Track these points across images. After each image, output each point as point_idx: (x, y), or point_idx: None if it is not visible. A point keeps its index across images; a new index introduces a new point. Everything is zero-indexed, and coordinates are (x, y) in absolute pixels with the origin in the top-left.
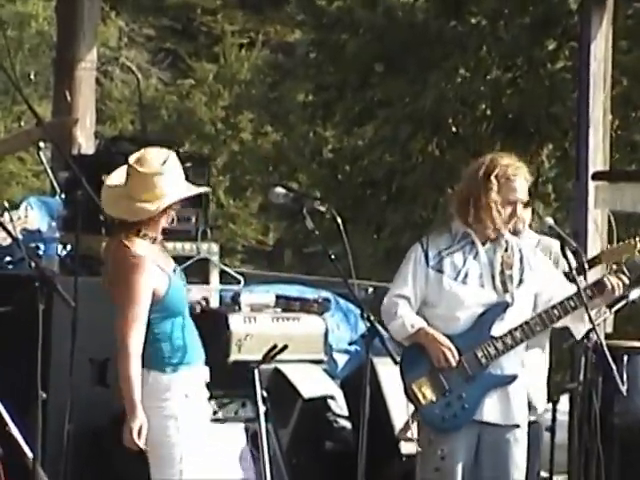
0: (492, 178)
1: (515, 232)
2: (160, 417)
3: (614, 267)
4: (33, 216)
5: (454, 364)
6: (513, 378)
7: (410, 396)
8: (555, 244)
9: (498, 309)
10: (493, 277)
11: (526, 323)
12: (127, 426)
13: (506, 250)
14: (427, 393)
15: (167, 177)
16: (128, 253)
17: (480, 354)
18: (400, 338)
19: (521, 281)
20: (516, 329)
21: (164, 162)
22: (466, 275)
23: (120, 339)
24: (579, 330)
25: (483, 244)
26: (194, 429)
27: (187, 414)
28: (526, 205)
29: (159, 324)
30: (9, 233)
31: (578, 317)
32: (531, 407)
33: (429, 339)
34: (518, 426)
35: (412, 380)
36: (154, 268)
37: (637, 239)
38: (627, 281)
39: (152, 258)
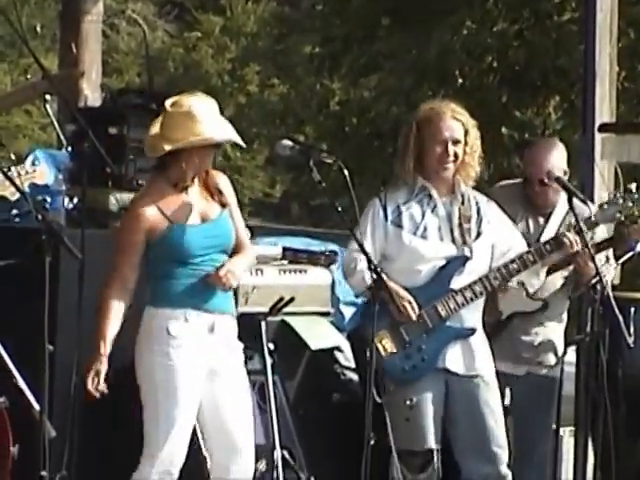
0: (414, 123)
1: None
2: (145, 352)
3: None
4: (41, 171)
5: (414, 318)
6: (473, 331)
7: (370, 348)
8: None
9: (458, 262)
10: (452, 230)
11: (485, 277)
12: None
13: (463, 203)
14: (387, 345)
15: (197, 120)
16: (135, 197)
17: (440, 307)
18: (360, 292)
19: (479, 234)
20: (475, 282)
21: (197, 105)
22: (425, 229)
23: (103, 282)
24: (532, 284)
25: (440, 197)
26: (179, 367)
27: (169, 351)
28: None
29: (156, 263)
30: (16, 187)
31: (533, 272)
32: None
33: (389, 292)
34: (482, 377)
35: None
36: (150, 211)
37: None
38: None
39: (159, 202)
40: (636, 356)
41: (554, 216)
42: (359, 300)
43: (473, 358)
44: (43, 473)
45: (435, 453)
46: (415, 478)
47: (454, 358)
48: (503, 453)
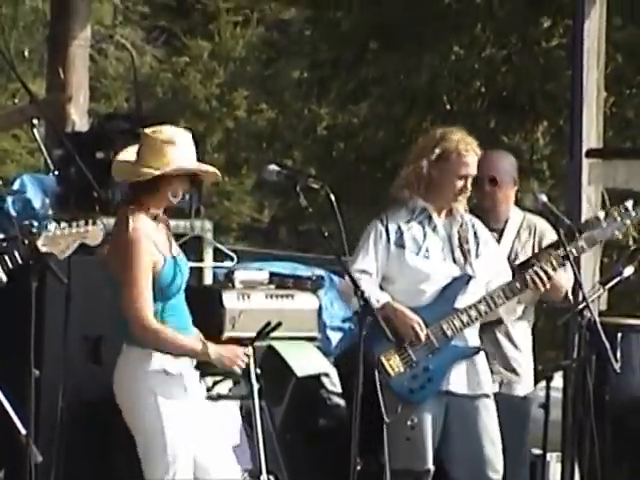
0: (437, 150)
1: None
2: (140, 391)
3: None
4: (95, 231)
5: (423, 339)
6: (478, 350)
7: (378, 368)
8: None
9: (461, 282)
10: (452, 250)
11: (489, 295)
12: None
13: (461, 225)
14: (395, 365)
15: (177, 148)
16: (129, 227)
17: (446, 326)
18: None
19: (477, 255)
20: (480, 302)
21: (178, 135)
22: (427, 249)
23: (137, 321)
24: (511, 316)
25: (440, 217)
26: (175, 405)
27: (166, 390)
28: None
29: None
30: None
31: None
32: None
33: (397, 314)
34: (487, 395)
35: (380, 352)
36: (150, 245)
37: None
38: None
39: (150, 235)
40: (623, 381)
41: (507, 233)
42: (346, 325)
43: (478, 378)
44: None
45: (430, 473)
46: None
47: (458, 379)
48: (497, 478)
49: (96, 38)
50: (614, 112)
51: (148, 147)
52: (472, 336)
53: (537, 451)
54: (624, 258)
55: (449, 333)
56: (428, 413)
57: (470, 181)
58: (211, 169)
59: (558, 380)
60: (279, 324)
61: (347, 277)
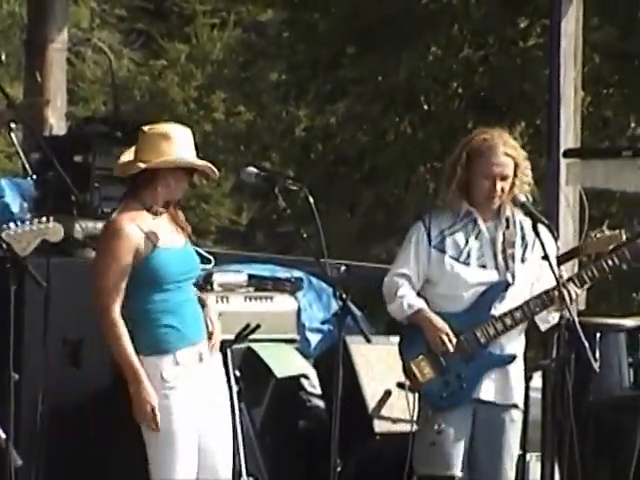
0: (464, 153)
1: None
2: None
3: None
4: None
5: (451, 349)
6: (513, 358)
7: (409, 373)
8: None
9: (499, 288)
10: (495, 256)
11: (526, 304)
12: (135, 402)
13: (507, 227)
14: (425, 371)
15: (172, 142)
16: (110, 219)
17: (479, 334)
18: (399, 318)
19: (523, 260)
20: (516, 309)
21: (173, 130)
22: (468, 255)
23: (100, 312)
24: (547, 323)
25: (485, 222)
26: (180, 413)
27: (165, 393)
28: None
29: (136, 292)
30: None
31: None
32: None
33: (426, 323)
34: (516, 406)
35: (411, 358)
36: (135, 232)
37: (622, 230)
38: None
39: (139, 224)
40: (602, 381)
41: None
42: (325, 327)
43: (509, 387)
44: None
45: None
46: None
47: (489, 387)
48: None
49: (73, 41)
50: (592, 112)
51: (143, 142)
52: (509, 343)
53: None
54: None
55: (482, 340)
56: (455, 420)
57: (503, 183)
58: (205, 164)
59: (537, 380)
60: (258, 326)
61: (386, 279)
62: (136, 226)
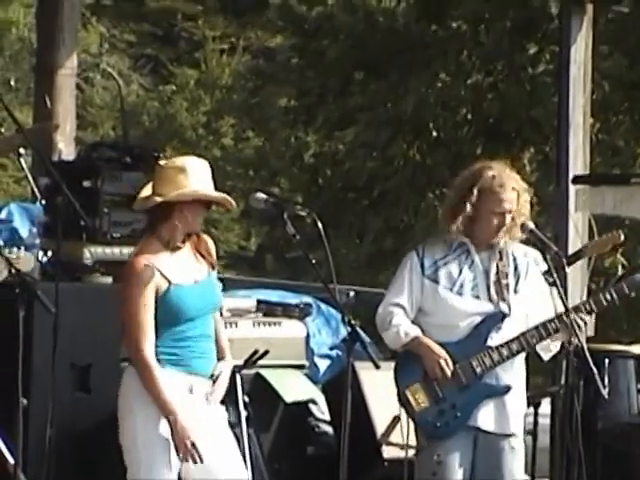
0: (474, 190)
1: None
2: (127, 412)
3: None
4: (26, 258)
5: (449, 375)
6: (508, 389)
7: (403, 401)
8: (537, 255)
9: (495, 319)
10: (488, 287)
11: (523, 335)
12: (175, 438)
13: (501, 259)
14: (420, 399)
15: (188, 175)
16: (128, 260)
17: (475, 364)
18: (395, 347)
19: (516, 290)
20: (513, 340)
21: (190, 163)
22: (462, 286)
23: (134, 350)
24: (549, 352)
25: (478, 253)
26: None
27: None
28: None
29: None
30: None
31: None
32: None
33: (424, 349)
34: (515, 435)
35: (406, 385)
36: (151, 271)
37: (620, 231)
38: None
39: (155, 263)
40: (611, 408)
41: None
42: (333, 352)
43: (507, 418)
44: None
45: None
46: None
47: (487, 416)
48: None
49: (83, 67)
50: (601, 139)
51: (160, 176)
52: (505, 374)
53: (526, 477)
54: (611, 285)
55: (478, 371)
56: (456, 449)
57: (508, 217)
58: (221, 196)
59: (546, 406)
60: (266, 352)
61: (380, 309)
62: (150, 263)
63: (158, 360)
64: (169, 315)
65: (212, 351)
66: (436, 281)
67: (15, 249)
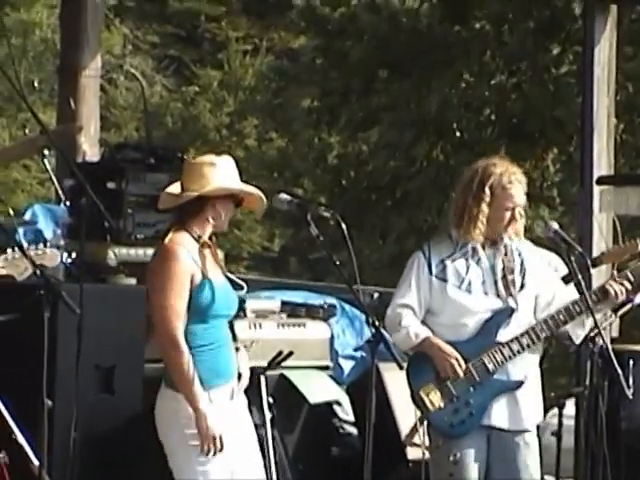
0: (486, 189)
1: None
2: (176, 438)
3: (617, 273)
4: (51, 253)
5: (461, 374)
6: (520, 384)
7: (417, 402)
8: (553, 257)
9: (503, 315)
10: (496, 282)
11: (532, 329)
12: (200, 429)
13: (506, 254)
14: (434, 399)
15: (218, 170)
16: (163, 244)
17: (487, 360)
18: (405, 348)
19: (522, 285)
20: (522, 335)
21: (218, 159)
22: (470, 283)
23: (163, 330)
24: (578, 335)
25: (484, 249)
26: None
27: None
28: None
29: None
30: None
31: (578, 322)
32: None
33: (434, 350)
34: (528, 430)
35: (419, 386)
36: (189, 258)
37: (638, 240)
38: (629, 287)
39: (190, 251)
40: (635, 408)
41: None
42: (358, 354)
43: (520, 414)
44: None
45: None
46: None
47: (500, 414)
48: None
49: (106, 68)
50: (625, 140)
51: (189, 172)
52: (515, 369)
53: (551, 478)
54: (635, 284)
55: (490, 367)
56: (471, 448)
57: (518, 211)
58: (254, 190)
59: (570, 407)
60: (291, 353)
61: (389, 311)
62: (188, 252)
63: (198, 372)
64: (199, 309)
65: (234, 352)
66: (444, 279)
67: (41, 245)
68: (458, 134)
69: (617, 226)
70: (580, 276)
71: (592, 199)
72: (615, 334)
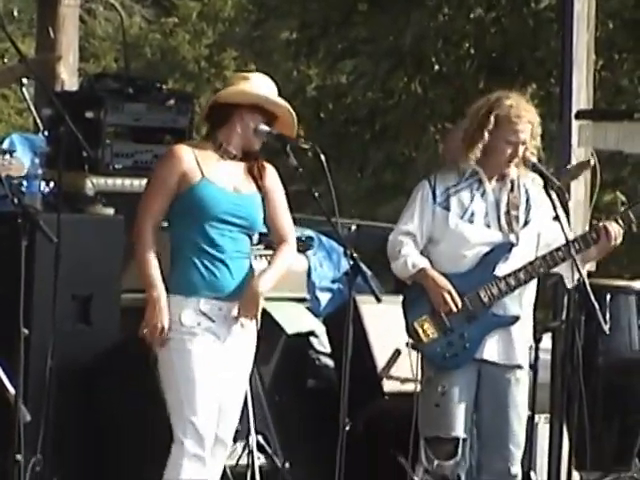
0: (491, 117)
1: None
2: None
3: (620, 212)
4: (18, 165)
5: (454, 309)
6: (516, 319)
7: (412, 333)
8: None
9: (503, 249)
10: (499, 217)
11: (530, 264)
12: (147, 317)
13: (512, 190)
14: (429, 331)
15: (251, 82)
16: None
17: (483, 294)
18: (402, 277)
19: (526, 222)
20: (520, 270)
21: (255, 74)
22: (472, 214)
23: (134, 225)
24: (570, 277)
25: (490, 183)
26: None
27: (184, 338)
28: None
29: (176, 222)
30: None
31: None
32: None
33: (429, 281)
34: (519, 367)
35: (414, 318)
36: (188, 157)
37: (589, 160)
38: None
39: (196, 153)
40: (611, 343)
41: None
42: (335, 286)
43: (513, 348)
44: (18, 457)
45: (462, 442)
46: (442, 465)
47: (492, 347)
48: (518, 452)
49: None
50: (604, 77)
51: (225, 86)
52: (512, 304)
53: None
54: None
55: (486, 300)
56: (459, 380)
57: (521, 148)
58: (283, 103)
59: (547, 341)
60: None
61: (391, 237)
62: (191, 152)
63: (192, 287)
64: (198, 208)
65: (246, 275)
66: (447, 208)
67: (7, 156)
68: (437, 67)
69: (595, 160)
70: (561, 210)
71: (571, 133)
72: (592, 269)
